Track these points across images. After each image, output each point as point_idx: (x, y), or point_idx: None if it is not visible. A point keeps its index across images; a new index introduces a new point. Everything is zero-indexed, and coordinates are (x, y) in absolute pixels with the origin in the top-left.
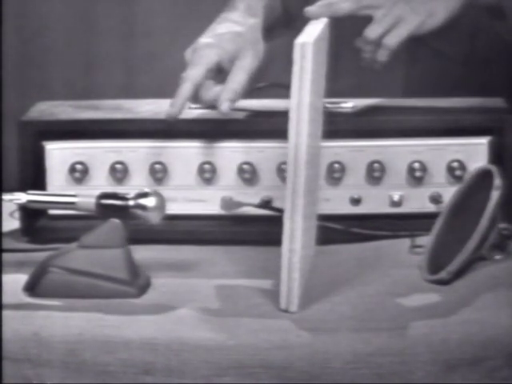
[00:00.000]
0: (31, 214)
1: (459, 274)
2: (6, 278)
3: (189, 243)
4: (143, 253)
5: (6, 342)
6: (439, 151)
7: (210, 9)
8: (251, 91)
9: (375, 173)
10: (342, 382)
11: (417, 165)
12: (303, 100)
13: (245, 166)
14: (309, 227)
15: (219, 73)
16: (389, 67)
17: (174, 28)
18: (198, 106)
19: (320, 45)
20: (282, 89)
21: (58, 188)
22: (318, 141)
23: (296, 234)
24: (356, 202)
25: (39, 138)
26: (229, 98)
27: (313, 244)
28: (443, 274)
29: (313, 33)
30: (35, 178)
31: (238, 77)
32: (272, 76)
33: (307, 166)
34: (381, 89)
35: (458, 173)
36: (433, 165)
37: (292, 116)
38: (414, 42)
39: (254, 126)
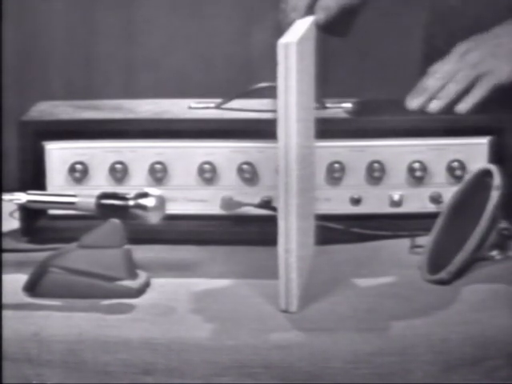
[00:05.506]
0: (31, 214)
1: (459, 273)
2: (5, 277)
3: (189, 243)
4: (143, 253)
5: (5, 341)
6: (439, 151)
7: (210, 9)
8: (250, 92)
9: (375, 173)
10: (342, 382)
11: (417, 165)
12: (290, 100)
13: (245, 166)
14: (305, 227)
15: None
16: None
17: (174, 28)
18: None
19: (305, 44)
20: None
21: (58, 188)
22: (310, 140)
23: (291, 234)
24: (356, 201)
25: (39, 138)
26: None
27: (311, 244)
28: (443, 274)
29: (297, 33)
30: (35, 178)
31: None
32: (271, 76)
33: (299, 166)
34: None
35: (457, 173)
36: (433, 165)
37: (280, 116)
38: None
39: (254, 126)
